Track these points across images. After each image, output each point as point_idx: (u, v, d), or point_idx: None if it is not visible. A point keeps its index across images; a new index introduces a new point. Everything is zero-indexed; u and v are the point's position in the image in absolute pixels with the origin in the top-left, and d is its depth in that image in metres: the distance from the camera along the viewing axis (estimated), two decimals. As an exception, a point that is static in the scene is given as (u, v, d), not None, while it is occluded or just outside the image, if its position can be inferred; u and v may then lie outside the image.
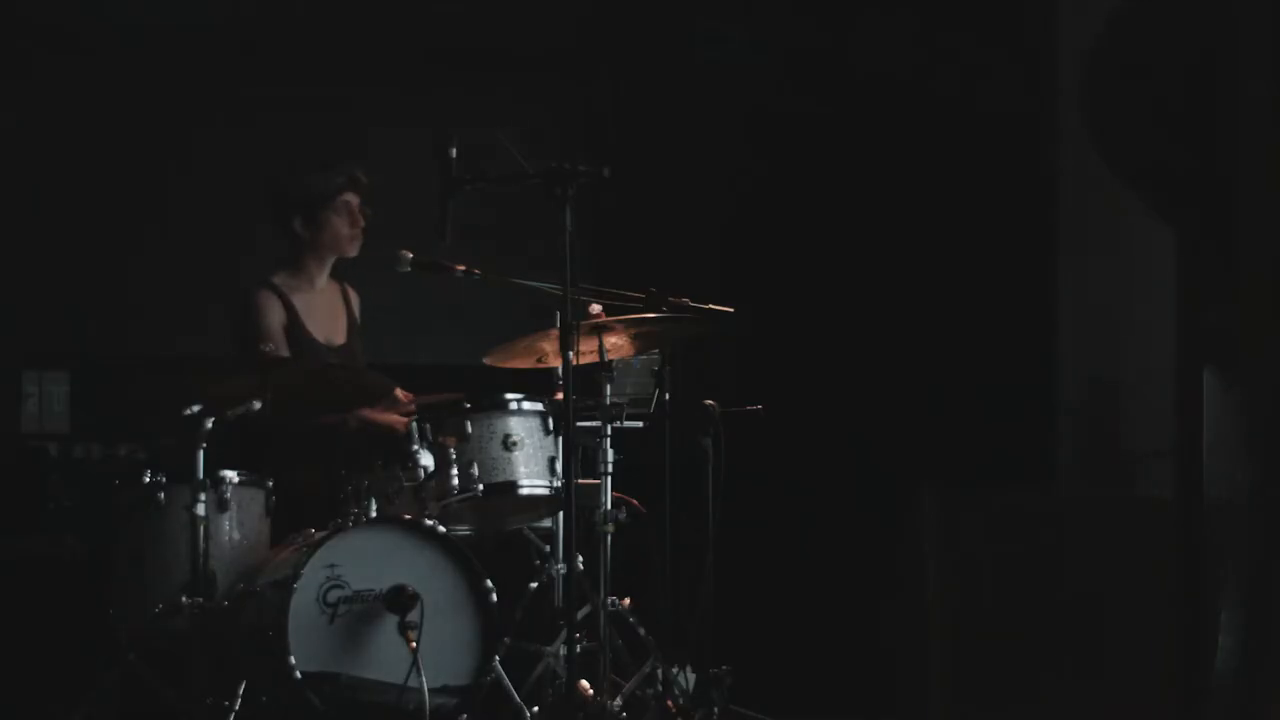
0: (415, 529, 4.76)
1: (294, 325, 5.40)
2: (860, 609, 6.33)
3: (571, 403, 4.58)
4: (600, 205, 6.67)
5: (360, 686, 4.58)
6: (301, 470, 5.18)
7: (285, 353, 5.29)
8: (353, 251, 5.50)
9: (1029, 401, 6.51)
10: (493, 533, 5.25)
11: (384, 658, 4.61)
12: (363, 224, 5.48)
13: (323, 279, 5.53)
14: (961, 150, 6.66)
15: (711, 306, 5.11)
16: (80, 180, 6.67)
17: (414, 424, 5.02)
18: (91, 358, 6.39)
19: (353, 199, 5.46)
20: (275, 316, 5.38)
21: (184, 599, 4.71)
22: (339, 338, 5.54)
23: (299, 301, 5.44)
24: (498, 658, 4.75)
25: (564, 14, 6.88)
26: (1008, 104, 6.65)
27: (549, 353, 5.11)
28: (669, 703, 5.01)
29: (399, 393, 5.32)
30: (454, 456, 4.95)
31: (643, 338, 5.13)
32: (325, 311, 5.53)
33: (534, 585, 5.15)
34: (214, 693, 4.71)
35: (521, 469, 4.99)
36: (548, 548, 5.21)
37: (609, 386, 5.04)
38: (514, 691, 4.82)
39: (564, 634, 4.73)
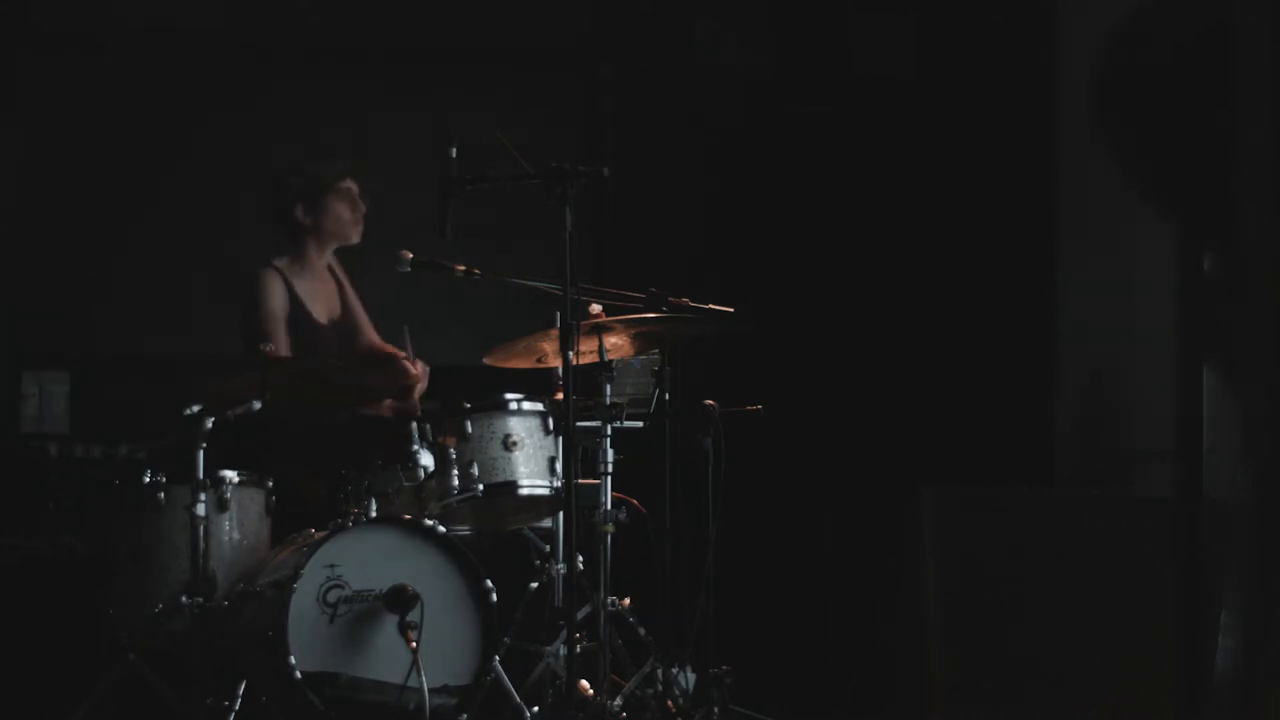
0: (415, 529, 4.75)
1: (297, 308, 5.45)
2: (860, 609, 6.34)
3: (571, 403, 4.58)
4: (600, 205, 6.69)
5: (360, 686, 4.58)
6: (301, 470, 5.19)
7: (283, 344, 5.32)
8: (356, 238, 5.56)
9: (1029, 401, 6.52)
10: (493, 533, 5.25)
11: (384, 658, 4.61)
12: (364, 210, 5.52)
13: (322, 266, 5.57)
14: (961, 150, 6.67)
15: (711, 306, 5.11)
16: (80, 180, 6.68)
17: (414, 424, 5.02)
18: (91, 358, 6.39)
19: (353, 186, 5.52)
20: (277, 298, 5.42)
21: (184, 599, 4.71)
22: (337, 313, 5.61)
23: (301, 287, 5.48)
24: (498, 658, 4.75)
25: (564, 14, 6.89)
26: (1008, 104, 6.66)
27: (549, 353, 5.11)
28: (669, 703, 5.01)
29: (414, 366, 5.35)
30: (454, 456, 4.95)
31: (643, 338, 5.13)
32: (323, 293, 5.58)
33: (534, 585, 5.14)
34: (214, 693, 4.71)
35: (521, 469, 4.98)
36: (548, 548, 5.21)
37: (609, 386, 5.04)
38: (514, 691, 4.82)
39: (564, 634, 4.73)
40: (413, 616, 4.58)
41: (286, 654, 4.51)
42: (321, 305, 5.55)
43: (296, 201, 5.49)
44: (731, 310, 5.13)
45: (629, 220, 6.76)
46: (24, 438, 6.12)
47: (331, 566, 4.64)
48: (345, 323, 5.62)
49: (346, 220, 5.53)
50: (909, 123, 6.72)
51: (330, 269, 5.65)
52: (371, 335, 5.66)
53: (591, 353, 4.98)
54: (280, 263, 5.49)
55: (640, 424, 5.24)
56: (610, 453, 5.03)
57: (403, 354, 5.33)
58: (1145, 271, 5.83)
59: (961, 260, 6.63)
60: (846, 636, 6.41)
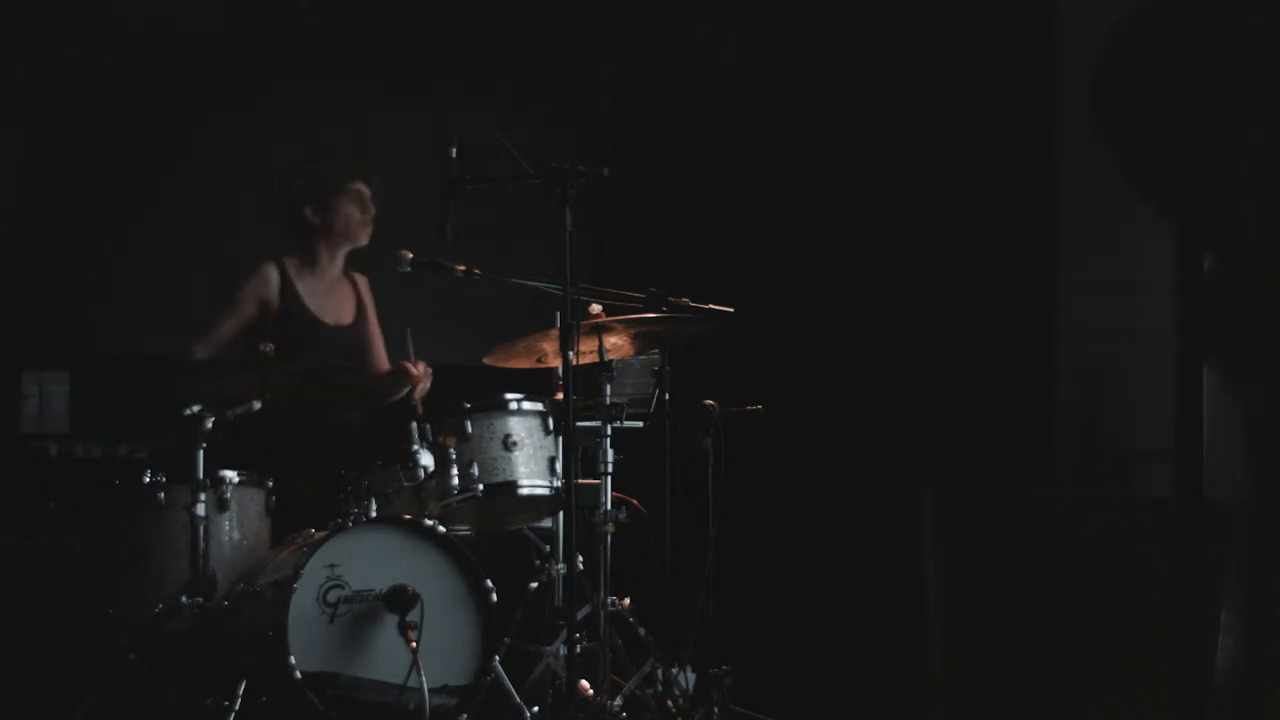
0: (415, 529, 4.76)
1: (294, 303, 5.45)
2: (860, 609, 6.34)
3: (571, 403, 4.58)
4: (600, 205, 6.68)
5: (360, 686, 4.58)
6: (301, 470, 5.19)
7: (220, 337, 5.33)
8: (364, 239, 5.57)
9: (1028, 401, 6.52)
10: (493, 533, 5.25)
11: (384, 658, 4.61)
12: (374, 212, 5.53)
13: (334, 269, 5.57)
14: (961, 150, 6.67)
15: (711, 306, 5.11)
16: (80, 180, 6.67)
17: (414, 424, 5.03)
18: (91, 358, 6.39)
19: (363, 187, 5.52)
20: (259, 286, 5.43)
21: (184, 599, 4.71)
22: (346, 318, 5.59)
23: (304, 285, 5.49)
24: (498, 658, 4.75)
25: (564, 14, 6.89)
26: (1008, 104, 6.66)
27: (549, 353, 5.11)
28: (669, 703, 5.01)
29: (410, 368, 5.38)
30: (454, 456, 4.96)
31: (643, 338, 5.13)
32: (331, 295, 5.58)
33: (534, 585, 5.15)
34: (214, 693, 4.71)
35: (521, 469, 4.99)
36: (548, 548, 5.21)
37: (609, 386, 5.04)
38: (514, 691, 4.82)
39: (564, 634, 4.73)
40: (413, 616, 4.58)
41: (286, 654, 4.51)
42: (328, 307, 5.54)
43: (305, 202, 5.50)
44: (731, 310, 5.13)
45: (629, 220, 6.76)
46: (24, 438, 6.11)
47: (331, 566, 4.64)
48: (357, 331, 5.61)
49: (356, 221, 5.54)
50: (909, 123, 6.72)
51: (351, 280, 5.64)
52: (381, 359, 5.65)
53: (591, 353, 4.98)
54: (288, 260, 5.50)
55: (640, 424, 5.24)
56: (610, 453, 5.03)
57: (408, 362, 5.34)
58: (1145, 271, 5.83)
59: (961, 260, 6.63)
60: (846, 636, 6.41)
